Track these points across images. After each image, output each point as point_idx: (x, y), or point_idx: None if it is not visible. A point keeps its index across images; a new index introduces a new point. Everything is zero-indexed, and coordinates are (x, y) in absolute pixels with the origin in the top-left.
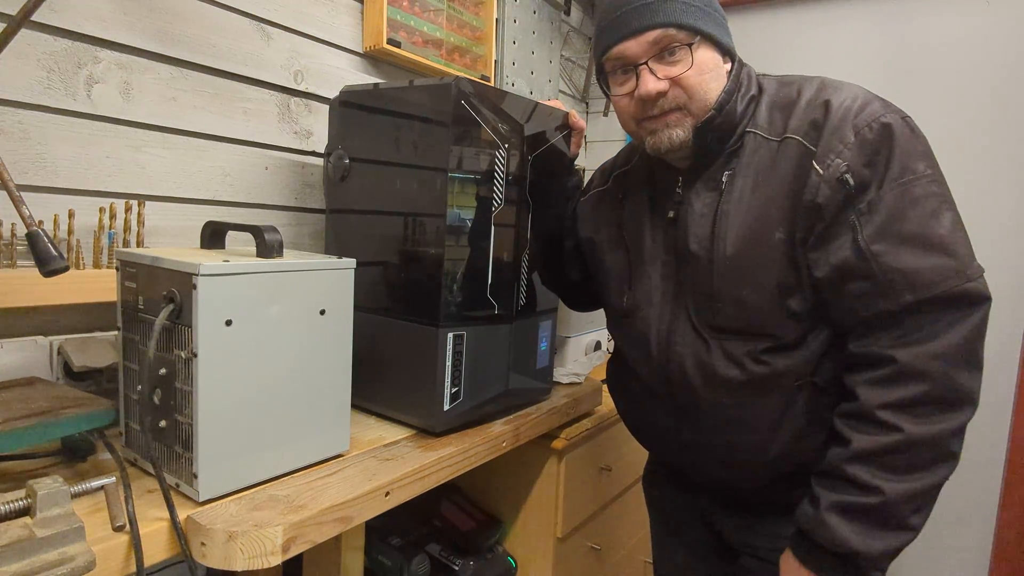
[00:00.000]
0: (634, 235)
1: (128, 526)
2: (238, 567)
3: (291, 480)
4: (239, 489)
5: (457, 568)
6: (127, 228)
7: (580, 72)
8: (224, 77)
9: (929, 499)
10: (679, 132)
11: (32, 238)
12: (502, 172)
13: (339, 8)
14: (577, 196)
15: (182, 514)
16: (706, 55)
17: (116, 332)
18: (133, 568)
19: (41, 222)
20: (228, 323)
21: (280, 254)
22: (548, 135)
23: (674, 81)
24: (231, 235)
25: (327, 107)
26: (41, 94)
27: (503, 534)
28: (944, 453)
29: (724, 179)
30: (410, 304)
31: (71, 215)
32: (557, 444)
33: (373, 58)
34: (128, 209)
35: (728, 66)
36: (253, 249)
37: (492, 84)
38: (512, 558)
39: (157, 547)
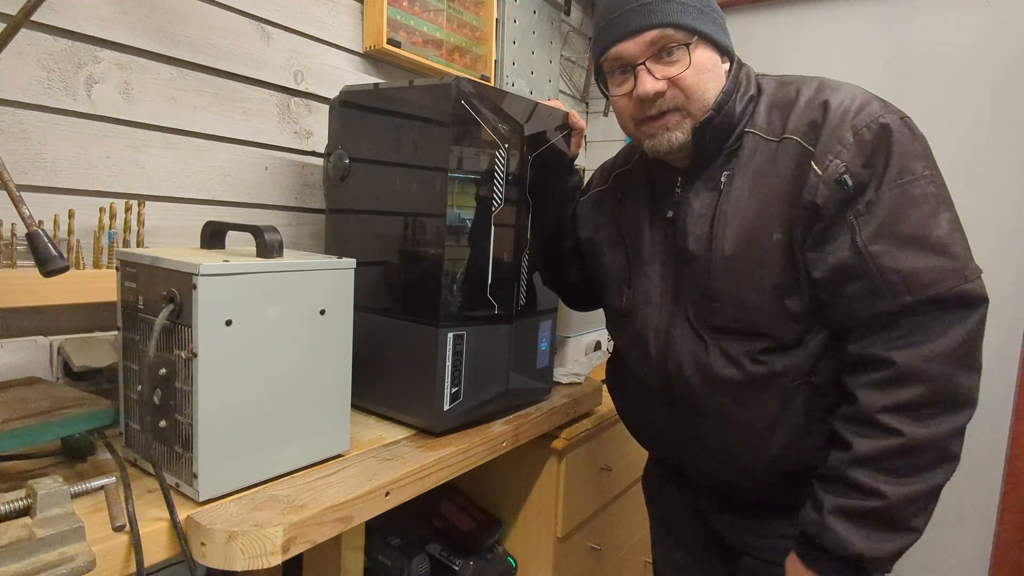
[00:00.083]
0: (633, 235)
1: (128, 526)
2: (238, 567)
3: (291, 480)
4: (239, 489)
5: (457, 568)
6: (127, 228)
7: (580, 72)
8: (224, 77)
9: (931, 500)
10: (678, 134)
11: (32, 238)
12: (502, 172)
13: (339, 8)
14: (577, 196)
15: (182, 514)
16: (704, 55)
17: (116, 332)
18: (133, 568)
19: (41, 222)
20: (228, 323)
21: (280, 254)
22: (548, 135)
23: (672, 81)
24: (231, 235)
25: (327, 107)
26: (41, 94)
27: (503, 534)
28: (945, 454)
29: (723, 179)
30: (410, 304)
31: (71, 215)
32: (557, 444)
33: (373, 58)
34: (128, 209)
35: (726, 66)
36: (253, 249)
37: (492, 84)
38: (512, 558)
39: (157, 547)
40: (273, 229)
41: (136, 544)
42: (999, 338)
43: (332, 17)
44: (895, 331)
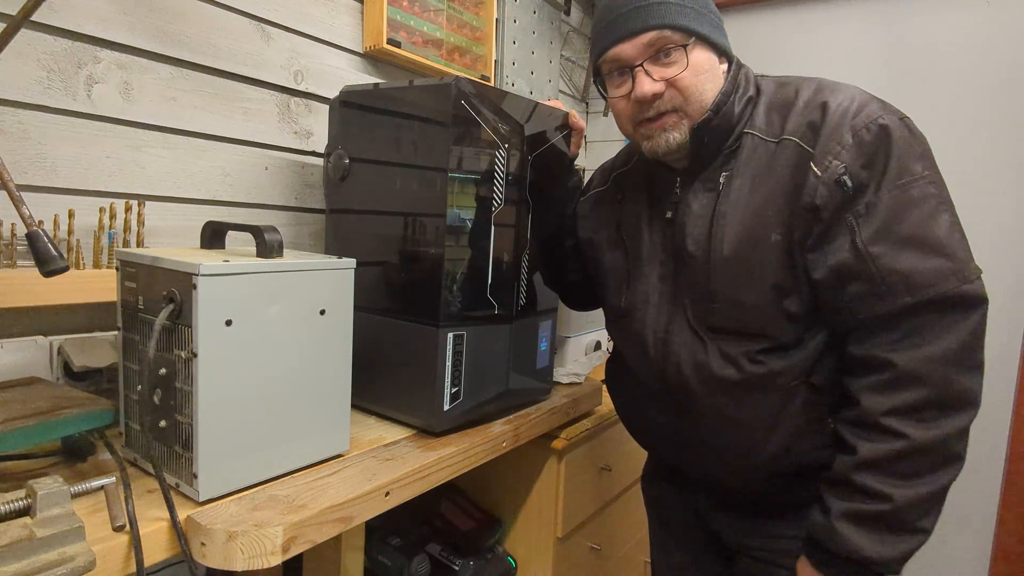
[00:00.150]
0: (632, 235)
1: (128, 526)
2: (238, 567)
3: (291, 480)
4: (239, 489)
5: (457, 568)
6: (127, 228)
7: (580, 72)
8: (224, 77)
9: (938, 501)
10: (675, 135)
11: (32, 238)
12: (502, 172)
13: (339, 8)
14: (577, 196)
15: (182, 514)
16: (701, 56)
17: (116, 332)
18: (133, 568)
19: (41, 222)
20: (228, 323)
21: (280, 254)
22: (548, 135)
23: (669, 82)
24: (231, 235)
25: (327, 107)
26: (41, 94)
27: (503, 534)
28: (949, 455)
29: (722, 180)
30: (410, 304)
31: (71, 215)
32: (557, 444)
33: (373, 58)
34: (128, 209)
35: (724, 67)
36: (253, 249)
37: (492, 84)
38: (512, 558)
39: (157, 547)
40: (273, 229)
41: (136, 544)
42: (999, 338)
43: (332, 17)
44: (895, 332)
